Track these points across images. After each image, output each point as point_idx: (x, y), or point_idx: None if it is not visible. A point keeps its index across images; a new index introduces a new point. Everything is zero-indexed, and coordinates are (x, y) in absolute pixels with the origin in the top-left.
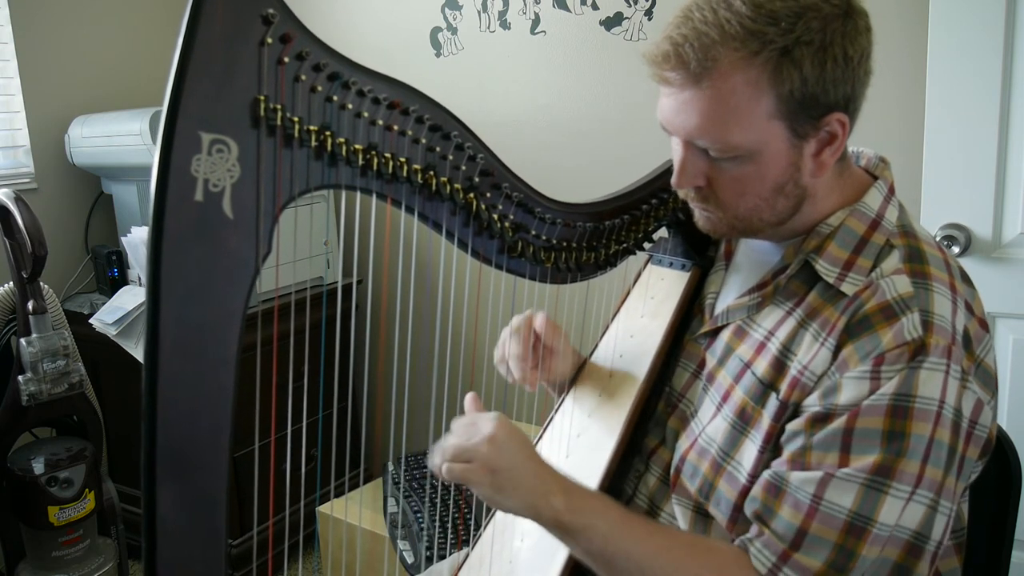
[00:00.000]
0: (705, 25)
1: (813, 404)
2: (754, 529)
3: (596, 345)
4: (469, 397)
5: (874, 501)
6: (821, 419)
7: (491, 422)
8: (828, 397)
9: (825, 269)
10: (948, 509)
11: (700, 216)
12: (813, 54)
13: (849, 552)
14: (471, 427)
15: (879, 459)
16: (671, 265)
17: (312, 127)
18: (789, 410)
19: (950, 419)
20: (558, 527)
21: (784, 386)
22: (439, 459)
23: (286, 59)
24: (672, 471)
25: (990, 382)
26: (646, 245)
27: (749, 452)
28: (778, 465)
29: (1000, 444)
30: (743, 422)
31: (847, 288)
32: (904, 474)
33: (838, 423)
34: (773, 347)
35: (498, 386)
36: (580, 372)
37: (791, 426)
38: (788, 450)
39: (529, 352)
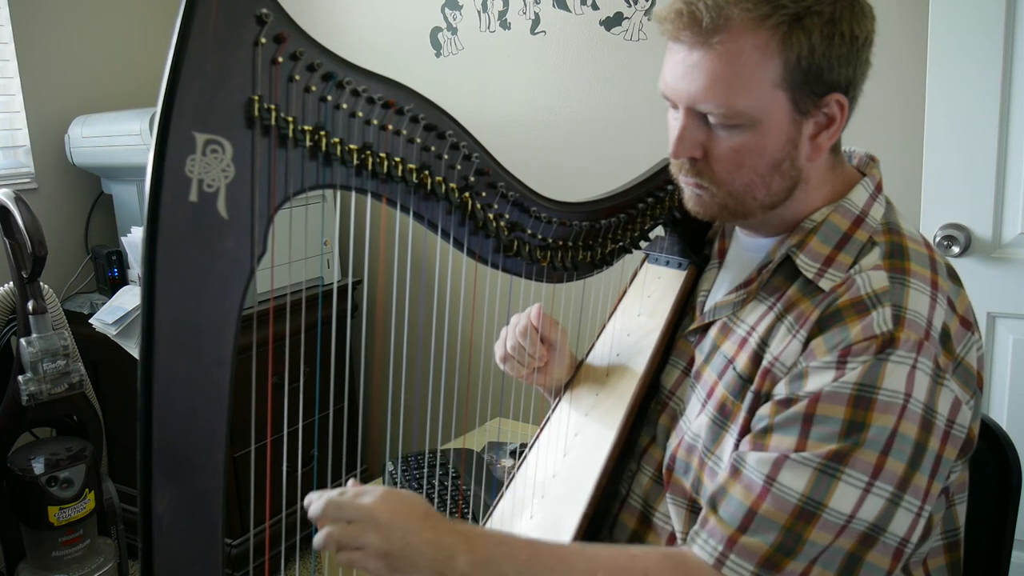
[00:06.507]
0: None
1: (780, 391)
2: (699, 520)
3: (593, 344)
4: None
5: (826, 486)
6: (784, 403)
7: (373, 503)
8: (793, 383)
9: (805, 264)
10: (915, 506)
11: (691, 195)
12: (823, 25)
13: (797, 536)
14: (354, 508)
15: (836, 446)
16: (667, 263)
17: (306, 127)
18: (761, 400)
19: (918, 414)
20: None
21: (757, 377)
22: (322, 540)
23: (280, 59)
24: (664, 469)
25: (971, 381)
26: (642, 244)
27: (728, 446)
28: (742, 447)
29: (1000, 444)
30: (723, 417)
31: (825, 284)
32: (859, 462)
33: (799, 407)
34: (753, 341)
35: (495, 385)
36: (577, 371)
37: (759, 412)
38: (751, 433)
39: (537, 348)
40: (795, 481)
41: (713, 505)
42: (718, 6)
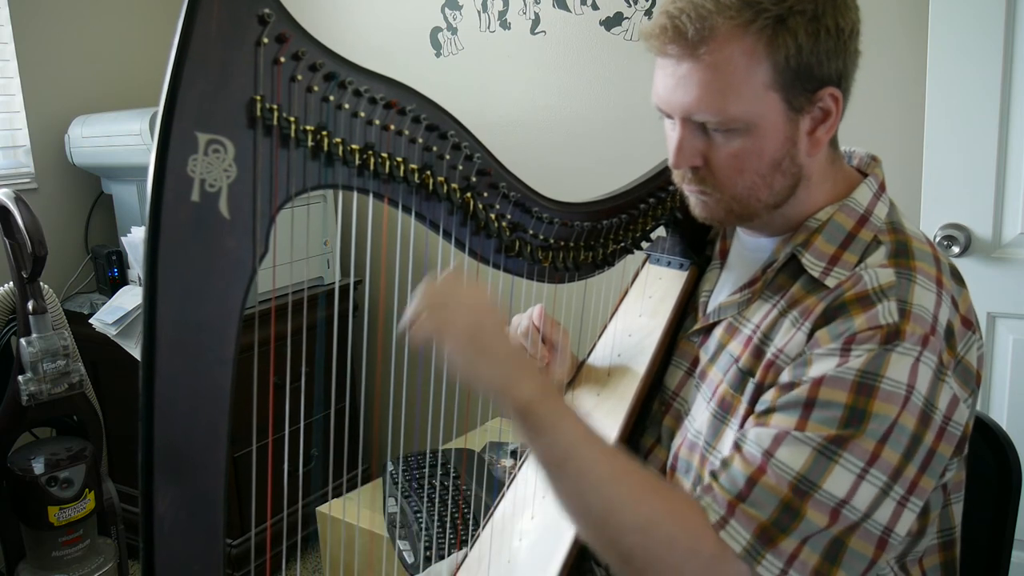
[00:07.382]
0: None
1: (783, 378)
2: (702, 488)
3: (594, 344)
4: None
5: (823, 468)
6: (786, 387)
7: (473, 283)
8: (797, 369)
9: (811, 263)
10: (901, 496)
11: (696, 203)
12: (807, 23)
13: (794, 512)
14: (453, 286)
15: (836, 432)
16: (669, 264)
17: (309, 127)
18: (764, 391)
19: (919, 407)
20: (525, 417)
21: (760, 370)
22: (407, 319)
23: (282, 59)
24: (668, 469)
25: (970, 380)
26: (644, 244)
27: (728, 440)
28: (745, 426)
29: (1000, 444)
30: (724, 411)
31: (831, 281)
32: (858, 448)
33: (801, 391)
34: (756, 338)
35: None
36: (578, 371)
37: (762, 397)
38: (754, 414)
39: (538, 349)
40: (793, 459)
41: (715, 476)
42: (702, 17)
